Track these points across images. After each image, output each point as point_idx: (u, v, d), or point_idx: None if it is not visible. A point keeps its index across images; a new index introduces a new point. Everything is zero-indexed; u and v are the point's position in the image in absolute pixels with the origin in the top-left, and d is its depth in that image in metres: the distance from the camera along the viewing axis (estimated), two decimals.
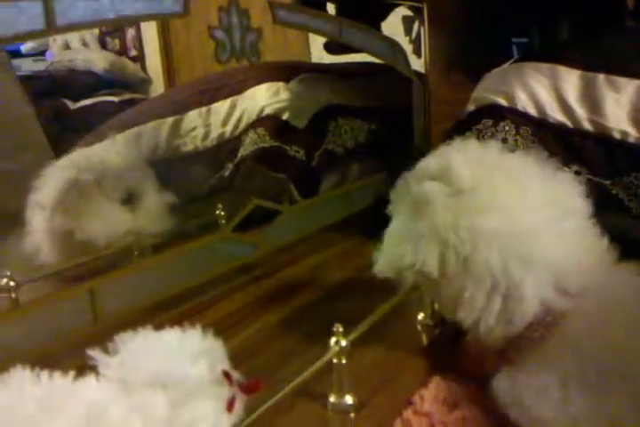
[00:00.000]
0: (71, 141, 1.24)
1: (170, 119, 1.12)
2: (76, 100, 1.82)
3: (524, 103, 0.88)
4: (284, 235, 0.85)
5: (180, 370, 0.45)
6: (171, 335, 0.48)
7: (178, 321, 0.51)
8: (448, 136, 0.91)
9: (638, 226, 0.81)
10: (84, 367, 0.46)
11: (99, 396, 0.43)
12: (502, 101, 0.89)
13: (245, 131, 1.04)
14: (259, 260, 0.82)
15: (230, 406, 0.47)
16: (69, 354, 0.55)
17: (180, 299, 0.72)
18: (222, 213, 0.89)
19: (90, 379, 0.45)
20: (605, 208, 0.84)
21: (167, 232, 0.84)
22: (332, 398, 0.54)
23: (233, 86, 1.11)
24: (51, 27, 0.52)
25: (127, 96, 1.86)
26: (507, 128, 0.87)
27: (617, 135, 0.83)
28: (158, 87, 1.86)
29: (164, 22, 1.74)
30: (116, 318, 0.63)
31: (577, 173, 0.85)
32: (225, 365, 0.48)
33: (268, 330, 0.68)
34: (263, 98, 1.05)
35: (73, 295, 0.62)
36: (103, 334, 0.48)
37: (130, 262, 0.77)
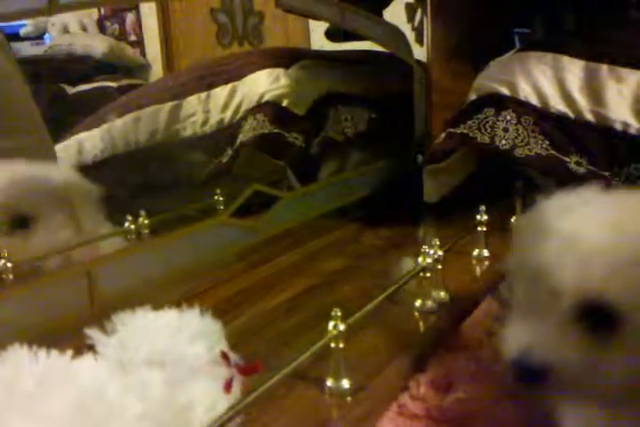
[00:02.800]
0: (69, 126, 1.24)
1: (169, 104, 1.11)
2: (73, 84, 1.80)
3: (526, 93, 0.87)
4: (283, 221, 0.85)
5: (178, 350, 0.45)
6: (169, 315, 0.48)
7: (175, 304, 0.51)
8: (449, 125, 0.91)
9: None
10: (81, 347, 0.46)
11: (96, 375, 0.43)
12: (504, 91, 0.89)
13: (245, 117, 1.03)
14: (257, 245, 0.81)
15: (228, 387, 0.46)
16: (66, 335, 0.55)
17: (178, 283, 0.71)
18: (221, 199, 0.89)
19: (88, 358, 0.45)
20: None
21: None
22: (329, 382, 0.53)
23: (233, 72, 1.10)
24: (53, 4, 0.52)
25: (126, 82, 1.85)
26: (508, 117, 0.87)
27: (618, 126, 0.83)
28: (157, 73, 1.85)
29: (164, 7, 1.73)
30: (114, 301, 0.63)
31: (577, 163, 0.85)
32: (223, 346, 0.48)
33: (265, 315, 0.67)
34: (263, 84, 1.05)
35: (70, 277, 0.61)
36: (100, 316, 0.48)
37: (128, 245, 0.76)
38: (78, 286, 0.61)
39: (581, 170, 0.84)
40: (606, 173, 0.83)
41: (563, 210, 0.43)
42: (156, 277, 0.69)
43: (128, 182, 1.08)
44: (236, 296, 0.72)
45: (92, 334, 0.46)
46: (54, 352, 0.44)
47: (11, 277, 0.64)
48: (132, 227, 0.83)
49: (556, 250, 0.41)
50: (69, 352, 0.44)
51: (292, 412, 0.51)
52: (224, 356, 0.47)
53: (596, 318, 0.41)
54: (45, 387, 0.41)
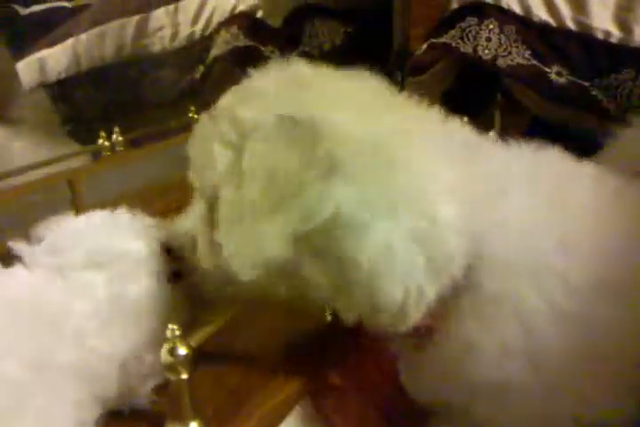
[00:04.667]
0: (24, 48, 1.16)
1: (135, 18, 1.05)
2: (26, 5, 1.69)
3: (508, 1, 0.85)
4: None
5: (118, 247, 0.44)
6: (99, 215, 0.46)
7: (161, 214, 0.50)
8: (431, 35, 0.89)
9: (614, 127, 0.82)
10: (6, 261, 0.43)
11: (31, 281, 0.42)
12: None
13: (217, 30, 0.99)
14: None
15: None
16: None
17: (162, 195, 0.70)
18: (196, 117, 0.86)
19: (17, 268, 0.43)
20: (585, 109, 0.85)
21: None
22: None
23: None
24: None
25: (82, 1, 1.74)
26: (491, 27, 0.85)
27: (600, 35, 0.82)
28: None
29: None
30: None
31: (558, 73, 0.84)
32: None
33: None
34: None
35: (52, 185, 0.59)
36: None
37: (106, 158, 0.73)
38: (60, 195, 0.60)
39: (562, 80, 0.84)
40: (586, 84, 0.83)
41: None
42: (138, 189, 0.67)
43: (97, 101, 1.03)
44: None
45: (13, 245, 0.43)
46: None
47: None
48: (107, 144, 0.80)
49: None
50: None
51: None
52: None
53: None
54: None
